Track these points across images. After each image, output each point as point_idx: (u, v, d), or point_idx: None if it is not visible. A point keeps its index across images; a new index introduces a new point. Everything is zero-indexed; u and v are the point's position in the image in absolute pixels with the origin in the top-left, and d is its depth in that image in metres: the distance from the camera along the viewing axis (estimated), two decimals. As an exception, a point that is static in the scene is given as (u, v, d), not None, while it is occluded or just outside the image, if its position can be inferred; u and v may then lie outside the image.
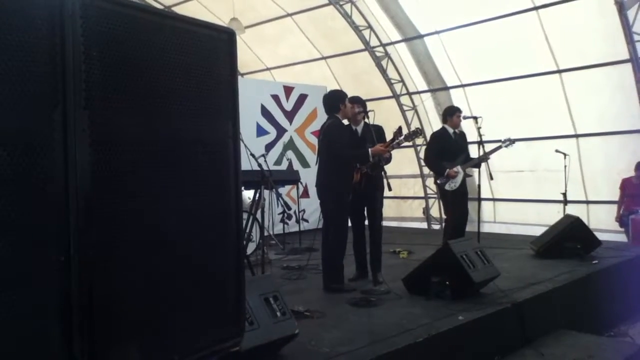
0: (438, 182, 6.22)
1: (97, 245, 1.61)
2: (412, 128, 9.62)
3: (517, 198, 9.24)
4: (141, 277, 1.75)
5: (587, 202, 8.45)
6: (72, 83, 1.53)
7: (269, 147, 8.58)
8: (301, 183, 7.93)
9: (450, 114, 6.24)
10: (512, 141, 6.27)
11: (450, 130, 6.18)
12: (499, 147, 6.23)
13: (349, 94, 5.14)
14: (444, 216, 6.81)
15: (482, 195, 6.90)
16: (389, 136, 5.17)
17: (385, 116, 8.16)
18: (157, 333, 1.80)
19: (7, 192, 1.43)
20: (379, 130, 5.13)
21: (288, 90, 9.20)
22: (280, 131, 9.02)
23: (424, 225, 10.60)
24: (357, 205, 5.09)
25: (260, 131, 8.71)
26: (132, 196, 1.73)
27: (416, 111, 10.17)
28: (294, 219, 8.00)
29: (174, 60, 1.86)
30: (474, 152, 6.32)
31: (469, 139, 6.47)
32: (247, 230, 5.27)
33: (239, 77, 2.18)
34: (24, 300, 1.47)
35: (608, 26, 7.41)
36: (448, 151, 6.10)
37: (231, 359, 2.66)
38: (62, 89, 1.51)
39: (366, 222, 5.26)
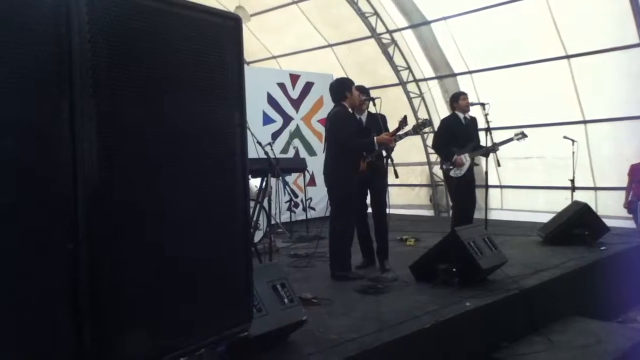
0: (443, 167, 6.21)
1: (105, 233, 1.61)
2: (419, 115, 9.65)
3: (524, 185, 9.20)
4: (149, 265, 1.76)
5: (595, 189, 8.40)
6: (79, 70, 1.52)
7: (275, 135, 8.59)
8: (308, 171, 7.92)
9: (456, 99, 6.23)
10: (524, 135, 6.22)
11: (461, 116, 6.15)
12: (511, 140, 6.18)
13: (356, 82, 5.12)
14: (451, 203, 6.80)
15: (490, 183, 6.88)
16: (392, 125, 5.16)
17: (392, 104, 8.13)
18: (166, 319, 1.81)
19: (15, 180, 1.44)
20: (383, 119, 5.12)
21: (294, 78, 9.18)
22: (287, 119, 9.01)
23: (432, 212, 10.59)
24: (361, 193, 5.09)
25: (267, 119, 8.71)
26: (139, 184, 1.74)
27: (423, 98, 10.12)
28: (300, 207, 8.02)
29: (180, 47, 1.85)
30: (482, 138, 6.29)
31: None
32: (255, 219, 5.28)
33: (245, 66, 2.16)
34: (33, 288, 1.48)
35: (617, 10, 7.32)
36: (458, 137, 6.07)
37: (240, 345, 2.68)
38: (69, 76, 1.51)
39: (369, 210, 5.26)
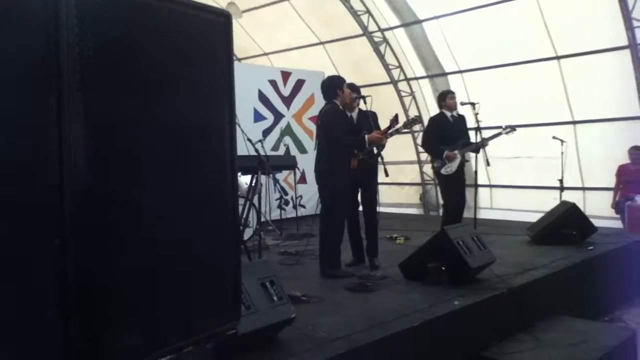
0: (434, 165, 6.23)
1: (92, 229, 1.60)
2: (410, 114, 9.68)
3: (513, 184, 9.25)
4: (137, 261, 1.75)
5: (584, 189, 8.47)
6: (66, 65, 1.51)
7: (266, 132, 8.57)
8: (298, 169, 7.92)
9: (443, 97, 6.24)
10: (512, 128, 6.22)
11: (448, 114, 6.16)
12: (499, 134, 6.19)
13: (347, 80, 5.12)
14: (441, 202, 6.83)
15: (479, 182, 6.91)
16: (383, 123, 5.16)
17: (383, 103, 8.14)
18: (154, 316, 1.80)
19: (2, 176, 1.42)
20: (373, 116, 5.13)
21: (285, 75, 9.16)
22: (278, 117, 8.99)
23: (421, 211, 10.63)
24: (352, 191, 5.09)
25: (258, 117, 8.69)
26: (127, 180, 1.72)
27: (414, 97, 10.15)
28: (291, 204, 8.02)
29: (169, 42, 1.83)
30: (472, 138, 6.31)
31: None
32: (244, 216, 5.27)
33: (237, 62, 2.16)
34: (20, 285, 1.47)
35: (607, 12, 7.38)
36: (446, 135, 6.08)
37: (228, 342, 2.68)
38: (56, 71, 1.50)
39: (360, 208, 5.27)
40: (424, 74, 9.95)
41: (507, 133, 6.20)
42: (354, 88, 5.14)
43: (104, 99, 1.63)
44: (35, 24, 1.47)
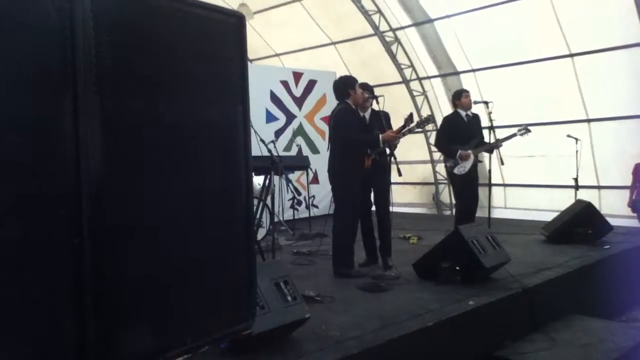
0: (447, 165, 6.21)
1: (108, 229, 1.61)
2: (422, 114, 9.64)
3: (528, 183, 9.18)
4: (152, 261, 1.76)
5: (599, 188, 8.38)
6: (83, 67, 1.52)
7: (278, 133, 8.59)
8: (311, 169, 7.93)
9: (458, 97, 6.22)
10: (527, 129, 6.19)
11: (463, 113, 6.14)
12: (514, 135, 6.15)
13: (359, 80, 5.12)
14: (454, 201, 6.80)
15: (493, 181, 6.87)
16: (395, 123, 5.15)
17: (395, 102, 8.10)
18: (169, 316, 1.82)
19: (20, 177, 1.44)
20: (386, 117, 5.12)
21: (297, 76, 9.17)
22: (290, 117, 9.01)
23: (434, 210, 10.59)
24: (364, 191, 5.10)
25: (270, 117, 8.71)
26: (143, 180, 1.74)
27: (426, 97, 10.11)
28: (303, 205, 8.03)
29: (183, 44, 1.85)
30: (485, 137, 6.27)
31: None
32: (258, 216, 5.28)
33: (248, 63, 2.16)
34: (37, 283, 1.49)
35: (621, 9, 7.30)
36: (460, 134, 6.06)
37: (243, 342, 2.69)
38: (73, 73, 1.51)
39: (373, 208, 5.26)
40: (436, 73, 9.91)
41: (521, 134, 6.16)
42: (367, 88, 5.14)
43: (120, 100, 1.64)
44: (51, 26, 1.49)
